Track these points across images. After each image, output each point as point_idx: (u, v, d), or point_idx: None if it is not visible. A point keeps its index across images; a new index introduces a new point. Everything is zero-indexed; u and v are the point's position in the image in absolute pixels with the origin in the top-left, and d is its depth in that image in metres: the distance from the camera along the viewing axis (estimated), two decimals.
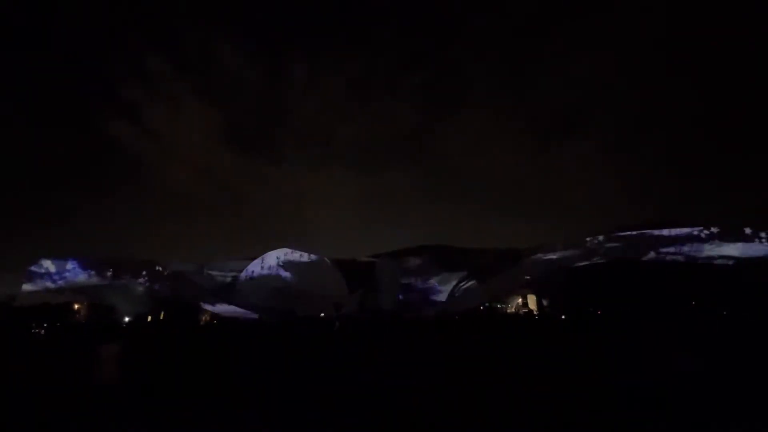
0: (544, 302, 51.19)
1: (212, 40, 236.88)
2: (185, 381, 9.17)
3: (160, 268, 54.50)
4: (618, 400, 6.78)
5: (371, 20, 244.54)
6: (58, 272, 44.71)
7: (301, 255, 65.03)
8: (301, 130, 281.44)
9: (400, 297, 52.56)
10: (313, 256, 65.30)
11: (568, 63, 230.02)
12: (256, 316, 41.13)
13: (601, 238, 46.85)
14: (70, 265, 45.81)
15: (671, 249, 40.31)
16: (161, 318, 48.94)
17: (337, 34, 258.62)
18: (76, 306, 52.75)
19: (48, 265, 45.32)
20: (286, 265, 63.44)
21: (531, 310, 49.11)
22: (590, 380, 8.36)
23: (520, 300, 54.64)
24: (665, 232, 42.53)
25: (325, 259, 65.68)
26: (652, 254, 40.78)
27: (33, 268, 44.11)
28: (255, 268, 61.99)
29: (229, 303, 50.45)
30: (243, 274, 60.59)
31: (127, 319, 47.39)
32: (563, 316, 34.88)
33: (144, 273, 49.86)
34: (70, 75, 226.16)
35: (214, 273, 59.77)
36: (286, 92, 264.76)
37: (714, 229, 40.23)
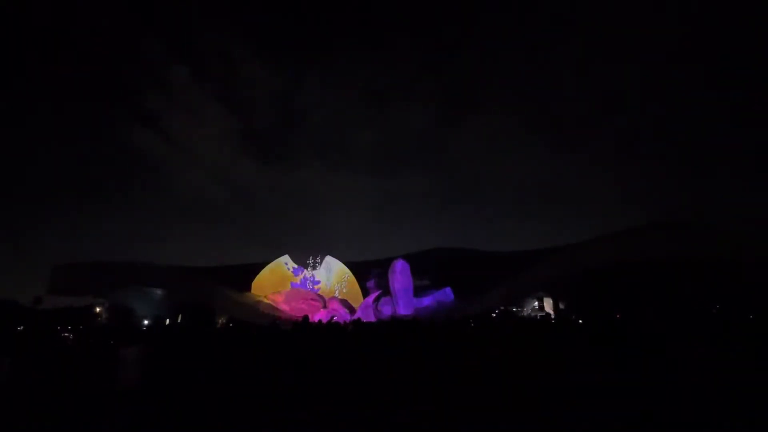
0: (561, 305, 50.40)
1: (231, 49, 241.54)
2: (204, 383, 9.33)
3: (178, 272, 55.51)
4: (638, 406, 6.65)
5: (386, 26, 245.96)
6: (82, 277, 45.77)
7: (315, 258, 65.57)
8: (317, 136, 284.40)
9: (415, 300, 52.33)
10: (328, 259, 65.72)
11: (583, 67, 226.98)
12: (270, 319, 41.49)
13: (618, 239, 45.87)
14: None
15: (689, 250, 39.12)
16: (178, 321, 49.83)
17: (353, 41, 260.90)
18: (97, 309, 54.13)
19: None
20: (300, 268, 64.05)
21: (548, 314, 48.39)
22: (609, 385, 8.21)
23: (536, 303, 53.91)
24: (683, 233, 41.40)
25: (340, 262, 65.99)
26: (670, 255, 39.66)
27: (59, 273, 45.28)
28: (270, 271, 62.63)
29: (244, 306, 51.02)
30: (258, 278, 61.25)
31: (146, 322, 48.41)
32: (580, 320, 34.23)
33: (162, 277, 50.78)
34: (93, 84, 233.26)
35: (231, 276, 60.50)
36: (303, 98, 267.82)
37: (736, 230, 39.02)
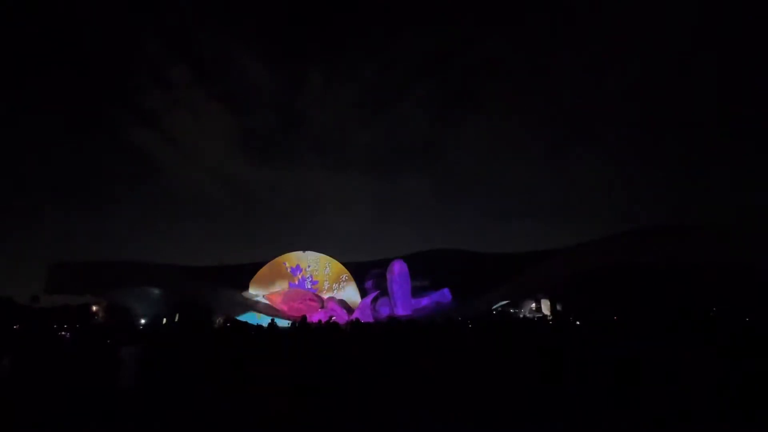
0: (558, 307, 50.51)
1: (231, 49, 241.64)
2: (202, 383, 9.32)
3: (176, 271, 55.42)
4: (637, 411, 6.69)
5: (386, 27, 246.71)
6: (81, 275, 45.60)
7: (313, 258, 65.50)
8: (317, 136, 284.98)
9: (413, 301, 52.35)
10: (325, 259, 65.68)
11: (582, 70, 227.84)
12: (269, 319, 41.50)
13: (615, 241, 46.07)
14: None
15: (688, 253, 39.29)
16: (176, 320, 49.68)
17: (353, 42, 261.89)
18: (94, 308, 54.00)
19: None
20: (298, 269, 64.00)
21: (545, 315, 48.52)
22: (609, 389, 8.25)
23: (533, 304, 54.04)
24: (682, 235, 41.59)
25: (338, 262, 65.96)
26: (669, 258, 39.82)
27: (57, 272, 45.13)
28: (268, 271, 62.62)
29: (243, 306, 50.97)
30: (256, 278, 61.24)
31: (143, 321, 48.26)
32: (578, 322, 34.33)
33: (160, 276, 50.70)
34: (92, 83, 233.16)
35: (229, 276, 60.51)
36: (303, 98, 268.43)
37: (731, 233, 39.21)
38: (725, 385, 7.75)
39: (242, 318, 48.39)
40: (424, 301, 52.85)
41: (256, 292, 58.81)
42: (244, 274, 61.29)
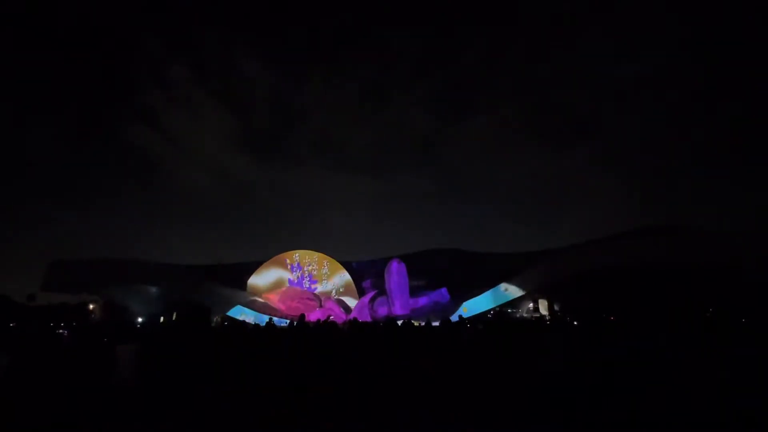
0: (556, 307, 50.59)
1: (231, 47, 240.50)
2: (200, 382, 9.29)
3: (174, 270, 55.26)
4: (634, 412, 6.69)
5: (385, 27, 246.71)
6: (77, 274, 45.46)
7: (312, 257, 65.49)
8: (316, 135, 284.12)
9: (411, 300, 52.34)
10: (324, 258, 65.66)
11: (582, 69, 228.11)
12: (266, 318, 41.44)
13: (614, 242, 46.19)
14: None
15: (686, 253, 39.41)
16: (173, 319, 49.54)
17: (352, 41, 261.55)
18: (90, 306, 53.79)
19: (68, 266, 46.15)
20: (297, 267, 63.99)
21: (543, 315, 48.61)
22: (606, 390, 8.26)
23: (531, 305, 54.11)
24: (680, 236, 41.73)
25: (336, 261, 65.95)
26: (667, 258, 39.94)
27: (53, 270, 44.96)
28: (266, 270, 62.59)
29: (241, 305, 50.89)
30: (254, 277, 61.19)
31: (140, 320, 48.12)
32: (575, 322, 34.43)
33: (157, 274, 50.57)
34: (91, 82, 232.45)
35: (227, 275, 60.38)
36: (302, 97, 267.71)
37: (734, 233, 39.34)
38: (724, 385, 7.78)
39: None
40: (422, 301, 52.85)
41: (255, 288, 58.88)
42: (244, 274, 61.25)
